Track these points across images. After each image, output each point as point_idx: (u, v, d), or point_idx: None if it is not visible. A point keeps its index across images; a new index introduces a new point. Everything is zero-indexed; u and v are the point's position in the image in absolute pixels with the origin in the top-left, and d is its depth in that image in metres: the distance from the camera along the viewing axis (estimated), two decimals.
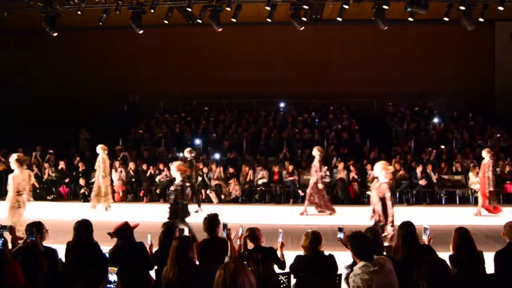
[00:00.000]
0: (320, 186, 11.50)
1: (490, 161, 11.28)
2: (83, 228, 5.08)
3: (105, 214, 11.93)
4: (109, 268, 3.85)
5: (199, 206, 12.22)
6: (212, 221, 5.31)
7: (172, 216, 7.36)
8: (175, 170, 7.67)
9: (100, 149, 11.90)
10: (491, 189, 11.22)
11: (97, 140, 17.83)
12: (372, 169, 14.25)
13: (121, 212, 12.14)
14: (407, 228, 4.89)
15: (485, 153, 11.41)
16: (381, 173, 6.97)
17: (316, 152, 11.44)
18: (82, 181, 14.47)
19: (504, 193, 13.77)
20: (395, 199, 13.88)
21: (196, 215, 10.33)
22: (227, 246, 4.85)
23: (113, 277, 3.81)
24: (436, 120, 18.62)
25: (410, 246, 4.77)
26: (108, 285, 3.78)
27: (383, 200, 6.68)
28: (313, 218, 11.34)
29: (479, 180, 11.82)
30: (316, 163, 11.46)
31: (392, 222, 6.56)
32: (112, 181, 12.96)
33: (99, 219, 10.55)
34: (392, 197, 7.02)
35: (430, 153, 15.55)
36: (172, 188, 7.71)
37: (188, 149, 12.60)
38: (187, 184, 7.42)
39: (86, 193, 14.29)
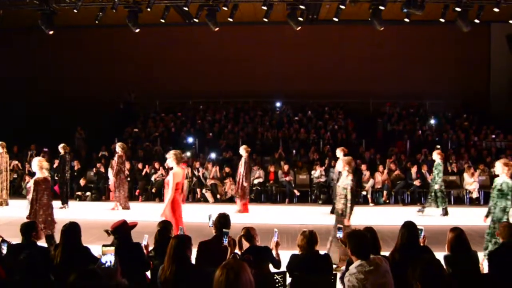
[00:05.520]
0: (111, 181, 12.53)
1: (247, 158, 11.97)
2: (70, 232, 4.87)
3: (102, 213, 11.92)
4: (103, 248, 3.86)
5: (66, 202, 12.61)
6: (224, 219, 5.33)
7: None
8: None
9: None
10: (243, 185, 11.92)
11: (93, 139, 17.92)
12: (367, 169, 14.35)
13: (117, 211, 12.14)
14: (409, 228, 4.90)
15: (242, 151, 12.01)
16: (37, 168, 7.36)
17: (118, 148, 12.47)
18: (82, 181, 14.45)
19: None
20: (390, 199, 13.99)
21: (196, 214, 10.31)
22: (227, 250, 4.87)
23: (107, 258, 3.82)
24: (431, 120, 18.68)
25: (409, 247, 4.78)
26: (104, 265, 3.79)
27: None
28: (308, 218, 11.37)
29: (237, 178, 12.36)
30: (115, 158, 12.44)
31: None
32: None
33: (96, 218, 10.59)
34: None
35: (425, 153, 15.61)
36: None
37: (62, 144, 12.78)
38: None
39: (81, 195, 14.30)
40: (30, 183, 7.40)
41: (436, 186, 11.48)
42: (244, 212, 11.86)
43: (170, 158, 7.22)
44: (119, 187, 12.31)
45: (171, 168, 7.31)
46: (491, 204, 6.99)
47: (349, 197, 6.98)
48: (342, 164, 7.23)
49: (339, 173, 11.17)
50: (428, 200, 11.80)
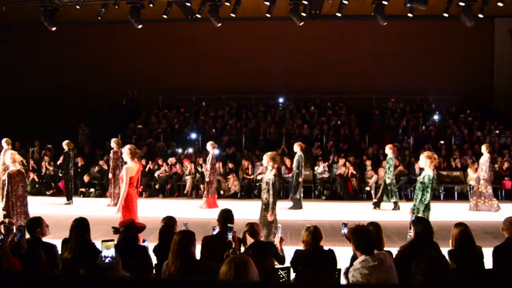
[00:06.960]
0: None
1: (214, 153, 12.18)
2: (80, 227, 4.92)
3: (106, 209, 11.95)
4: (103, 243, 3.88)
5: (70, 198, 12.59)
6: (227, 214, 5.34)
7: None
8: None
9: (4, 142, 11.99)
10: (207, 179, 12.10)
11: (96, 135, 17.93)
12: (371, 165, 14.33)
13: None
14: (423, 225, 4.89)
15: (209, 146, 12.17)
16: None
17: (113, 143, 12.39)
18: (86, 178, 14.48)
19: (502, 189, 13.76)
20: None
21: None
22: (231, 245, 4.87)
23: (108, 252, 3.85)
24: (435, 116, 18.63)
25: (421, 242, 4.76)
26: (105, 260, 3.81)
27: None
28: (312, 214, 11.37)
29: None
30: (111, 154, 12.41)
31: None
32: None
33: (100, 215, 10.62)
34: None
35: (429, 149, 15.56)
36: None
37: (66, 141, 12.76)
38: None
39: (85, 191, 14.33)
40: (4, 176, 7.63)
41: (388, 181, 11.60)
42: (209, 208, 11.81)
43: (125, 152, 7.16)
44: (114, 183, 12.26)
45: (126, 163, 7.19)
46: (414, 197, 7.22)
47: (271, 192, 7.02)
48: (266, 159, 7.24)
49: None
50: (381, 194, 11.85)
